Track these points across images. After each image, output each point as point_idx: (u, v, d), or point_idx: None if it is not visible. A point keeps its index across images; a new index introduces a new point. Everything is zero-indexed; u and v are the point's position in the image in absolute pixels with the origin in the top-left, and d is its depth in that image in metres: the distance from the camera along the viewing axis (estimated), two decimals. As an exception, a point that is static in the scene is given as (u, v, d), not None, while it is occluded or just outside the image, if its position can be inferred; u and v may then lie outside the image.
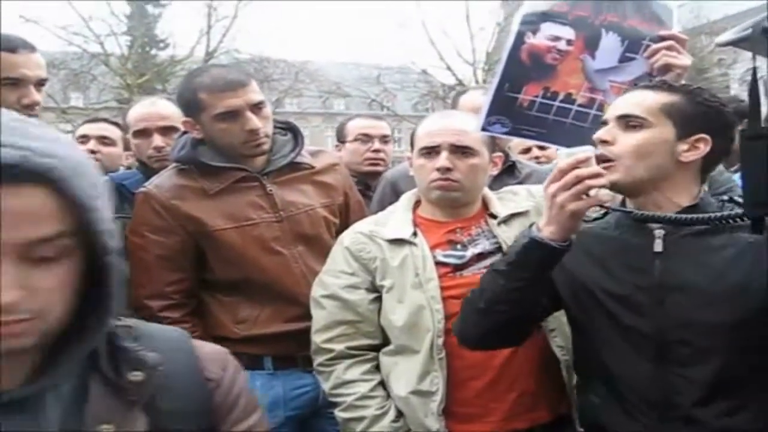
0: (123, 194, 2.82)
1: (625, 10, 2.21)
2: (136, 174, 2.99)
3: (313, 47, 59.28)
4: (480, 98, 2.83)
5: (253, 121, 2.47)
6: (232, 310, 2.54)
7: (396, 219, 2.25)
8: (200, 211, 2.49)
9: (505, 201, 2.28)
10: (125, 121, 3.08)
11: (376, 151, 3.62)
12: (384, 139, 3.70)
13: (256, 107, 2.49)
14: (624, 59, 2.22)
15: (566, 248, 1.72)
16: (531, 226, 1.78)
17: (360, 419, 2.15)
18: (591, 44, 2.22)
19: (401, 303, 2.14)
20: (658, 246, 1.78)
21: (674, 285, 1.74)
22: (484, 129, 2.24)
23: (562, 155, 1.72)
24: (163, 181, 2.56)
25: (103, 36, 24.87)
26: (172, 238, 2.50)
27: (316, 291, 2.27)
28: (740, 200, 1.82)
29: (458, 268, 2.17)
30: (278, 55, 27.00)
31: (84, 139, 3.46)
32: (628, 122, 1.79)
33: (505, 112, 2.26)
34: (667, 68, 2.15)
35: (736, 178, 3.05)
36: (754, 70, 1.30)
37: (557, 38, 2.21)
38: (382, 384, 2.20)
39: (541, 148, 3.52)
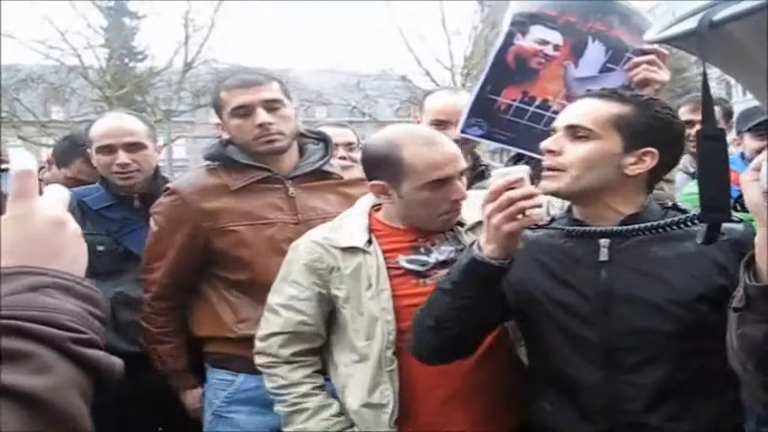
0: (84, 211, 2.77)
1: (612, 20, 2.20)
2: (97, 189, 2.94)
3: (291, 56, 59.29)
4: (448, 98, 2.88)
5: (263, 116, 2.55)
6: (235, 309, 2.57)
7: (350, 225, 2.20)
8: (218, 206, 2.56)
9: (470, 207, 2.17)
10: (88, 135, 3.01)
11: (342, 158, 3.61)
12: (349, 146, 3.75)
13: (271, 105, 2.58)
14: (605, 69, 2.21)
15: (507, 266, 1.73)
16: (472, 244, 1.79)
17: (302, 411, 2.15)
18: (576, 51, 2.21)
19: (362, 315, 2.10)
20: (603, 255, 1.79)
21: (619, 294, 1.76)
22: (462, 131, 2.22)
23: (496, 175, 1.72)
24: (189, 177, 2.75)
25: (81, 49, 24.76)
26: (183, 231, 2.58)
27: (273, 298, 2.24)
28: (683, 207, 1.85)
29: (421, 275, 2.12)
30: (256, 64, 26.96)
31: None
32: (576, 133, 1.78)
33: (484, 114, 2.25)
34: (645, 83, 2.14)
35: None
36: (704, 70, 1.26)
37: (545, 42, 2.20)
38: (322, 387, 2.21)
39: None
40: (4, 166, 0.94)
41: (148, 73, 26.60)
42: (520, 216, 1.67)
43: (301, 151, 2.72)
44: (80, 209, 2.79)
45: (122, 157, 2.88)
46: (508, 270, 1.74)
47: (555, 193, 1.82)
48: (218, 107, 2.66)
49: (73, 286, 0.84)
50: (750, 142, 3.62)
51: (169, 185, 2.68)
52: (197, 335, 2.66)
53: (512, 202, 1.65)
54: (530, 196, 1.67)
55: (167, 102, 26.11)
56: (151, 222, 2.66)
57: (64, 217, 0.90)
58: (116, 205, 2.89)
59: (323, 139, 2.78)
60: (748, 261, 1.33)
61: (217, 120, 2.70)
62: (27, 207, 0.87)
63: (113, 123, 2.97)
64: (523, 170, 1.70)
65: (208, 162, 2.70)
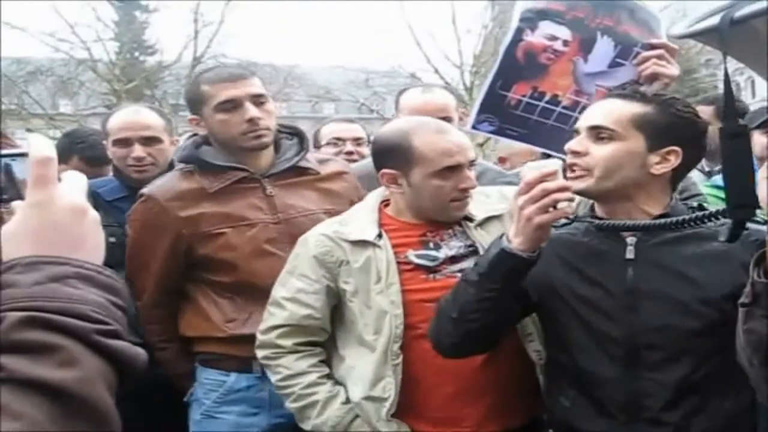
0: (98, 202, 2.78)
1: (620, 15, 2.21)
2: (112, 181, 2.96)
3: (300, 51, 59.07)
4: (421, 96, 2.90)
5: (253, 110, 2.49)
6: (223, 310, 2.53)
7: (360, 219, 2.19)
8: (197, 212, 2.50)
9: (477, 203, 2.19)
10: (105, 127, 3.03)
11: (349, 153, 3.66)
12: (357, 141, 3.77)
13: (257, 100, 2.52)
14: (614, 64, 2.22)
15: (535, 259, 1.75)
16: (501, 236, 1.80)
17: (313, 404, 2.14)
18: (586, 47, 2.22)
19: (370, 309, 2.11)
20: (629, 253, 1.80)
21: (645, 292, 1.77)
22: (473, 127, 2.23)
23: (529, 168, 1.74)
24: (164, 182, 2.60)
25: (90, 42, 24.79)
26: (164, 240, 2.51)
27: (279, 292, 2.23)
28: (709, 206, 1.86)
29: (431, 270, 2.12)
30: (265, 59, 26.95)
31: None
32: (599, 134, 1.80)
33: (494, 110, 2.25)
34: (654, 77, 2.14)
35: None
36: (725, 67, 1.26)
37: (554, 38, 2.21)
38: (329, 376, 2.20)
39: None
40: (6, 151, 0.93)
41: (157, 67, 26.66)
42: (551, 209, 1.69)
43: (276, 146, 2.65)
44: (93, 200, 2.79)
45: (138, 150, 2.90)
46: (535, 263, 1.75)
47: (582, 193, 1.84)
48: (197, 102, 2.56)
49: (95, 275, 0.82)
50: (759, 139, 3.63)
51: (143, 191, 2.59)
52: (186, 336, 2.62)
53: (546, 193, 1.68)
54: (564, 189, 1.70)
55: (176, 96, 26.09)
56: (128, 229, 2.61)
57: (84, 205, 0.88)
58: (129, 197, 2.87)
59: (297, 134, 2.71)
60: (759, 258, 1.34)
61: (190, 116, 2.61)
62: (47, 194, 0.84)
63: (131, 116, 2.98)
64: (556, 164, 1.74)
65: (181, 164, 2.62)
